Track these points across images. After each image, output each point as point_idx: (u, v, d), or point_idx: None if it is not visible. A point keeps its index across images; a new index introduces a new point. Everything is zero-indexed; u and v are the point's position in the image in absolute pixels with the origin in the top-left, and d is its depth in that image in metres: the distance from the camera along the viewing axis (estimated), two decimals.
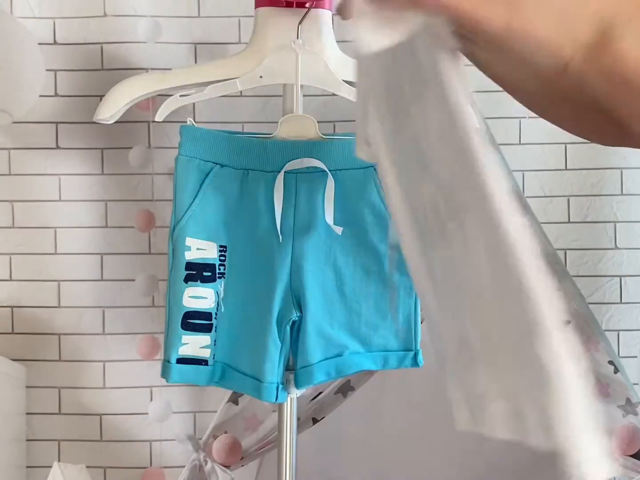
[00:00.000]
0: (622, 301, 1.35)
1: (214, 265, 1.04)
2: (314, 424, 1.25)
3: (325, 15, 1.06)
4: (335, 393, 1.23)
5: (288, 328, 1.02)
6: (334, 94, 1.07)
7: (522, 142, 1.34)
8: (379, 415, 1.40)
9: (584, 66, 0.49)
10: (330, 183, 1.01)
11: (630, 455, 1.16)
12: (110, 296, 1.37)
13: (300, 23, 1.04)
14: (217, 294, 1.04)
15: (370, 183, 1.03)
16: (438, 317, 0.61)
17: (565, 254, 1.35)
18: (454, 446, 1.32)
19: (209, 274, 1.04)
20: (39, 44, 1.31)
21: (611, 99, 0.50)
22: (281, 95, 1.08)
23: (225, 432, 1.23)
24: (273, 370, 1.02)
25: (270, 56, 1.05)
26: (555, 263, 1.23)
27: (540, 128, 1.33)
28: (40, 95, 1.31)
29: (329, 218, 1.01)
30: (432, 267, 0.60)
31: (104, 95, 1.08)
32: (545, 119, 0.57)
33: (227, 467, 1.23)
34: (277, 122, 1.05)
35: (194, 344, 1.04)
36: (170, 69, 1.10)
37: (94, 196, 1.36)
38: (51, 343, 1.37)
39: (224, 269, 1.04)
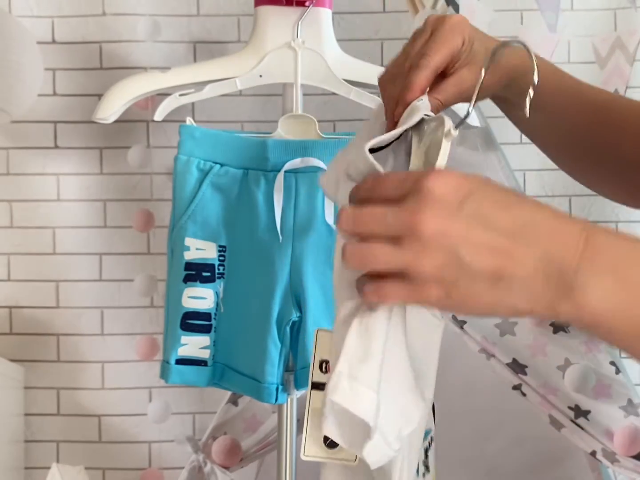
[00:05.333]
0: None
1: (213, 265, 1.03)
2: None
3: (325, 14, 1.05)
4: None
5: (288, 329, 1.02)
6: (333, 93, 1.07)
7: (523, 141, 1.33)
8: None
9: (550, 314, 0.52)
10: None
11: (632, 456, 1.16)
12: (109, 296, 1.36)
13: (300, 21, 1.04)
14: (217, 294, 1.03)
15: None
16: None
17: None
18: (454, 448, 1.31)
19: (208, 274, 1.03)
20: (38, 42, 1.30)
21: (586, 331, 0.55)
22: (281, 95, 1.08)
23: (225, 433, 1.23)
24: (273, 371, 1.01)
25: (270, 55, 1.05)
26: None
27: None
28: (39, 95, 1.30)
29: (330, 218, 1.01)
30: None
31: (102, 95, 1.08)
32: None
33: (226, 468, 1.22)
34: (276, 122, 1.04)
35: (193, 345, 1.03)
36: (169, 68, 1.10)
37: (92, 196, 1.36)
38: (50, 343, 1.36)
39: (224, 269, 1.04)
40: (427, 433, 0.72)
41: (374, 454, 0.60)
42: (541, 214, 0.55)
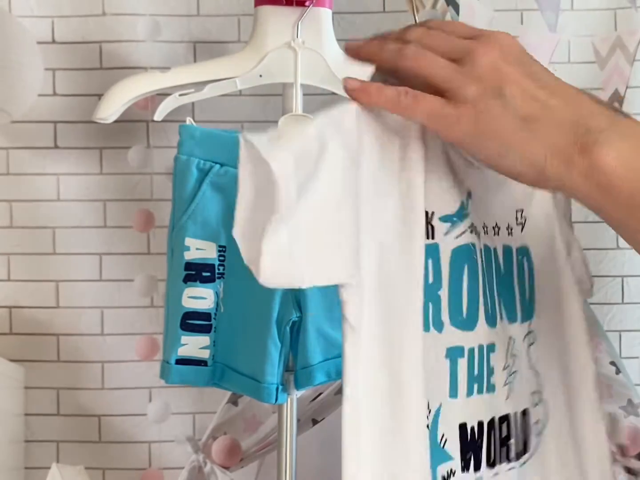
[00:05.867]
0: (624, 301, 1.34)
1: (213, 265, 1.03)
2: (313, 425, 1.25)
3: (325, 14, 1.05)
4: (336, 394, 1.23)
5: (288, 329, 1.02)
6: (333, 93, 1.06)
7: None
8: None
9: (563, 169, 0.54)
10: None
11: (632, 457, 1.16)
12: (109, 296, 1.36)
13: (300, 21, 1.04)
14: (217, 294, 1.03)
15: None
16: None
17: None
18: None
19: (208, 274, 1.03)
20: (38, 42, 1.30)
21: (592, 202, 0.56)
22: (281, 95, 1.08)
23: (225, 433, 1.23)
24: (273, 371, 1.01)
25: (270, 55, 1.05)
26: None
27: None
28: (39, 95, 1.30)
29: None
30: None
31: (102, 95, 1.08)
32: None
33: (226, 468, 1.22)
34: (276, 122, 1.04)
35: (193, 345, 1.03)
36: (169, 68, 1.10)
37: (92, 196, 1.35)
38: (50, 344, 1.36)
39: (224, 269, 1.04)
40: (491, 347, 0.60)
41: (272, 254, 0.51)
42: (583, 94, 0.59)
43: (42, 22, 1.34)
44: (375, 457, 0.53)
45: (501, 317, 0.62)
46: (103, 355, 1.36)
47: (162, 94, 1.09)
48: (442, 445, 0.55)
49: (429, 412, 0.55)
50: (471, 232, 0.60)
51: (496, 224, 0.63)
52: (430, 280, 0.57)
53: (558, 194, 0.70)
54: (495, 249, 0.63)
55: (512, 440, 0.60)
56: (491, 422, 0.59)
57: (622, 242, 1.35)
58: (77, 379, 1.36)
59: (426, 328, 0.56)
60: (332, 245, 0.53)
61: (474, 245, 0.60)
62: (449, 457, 0.56)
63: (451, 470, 0.56)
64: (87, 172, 1.35)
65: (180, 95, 1.06)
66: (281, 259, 0.51)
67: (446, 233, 0.59)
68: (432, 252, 0.57)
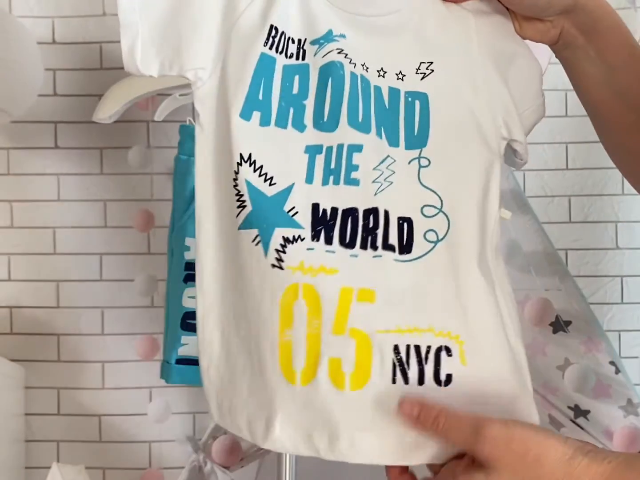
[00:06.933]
0: (623, 301, 1.34)
1: None
2: None
3: None
4: None
5: None
6: None
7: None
8: None
9: None
10: None
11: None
12: (109, 296, 1.36)
13: None
14: None
15: None
16: None
17: (567, 254, 1.34)
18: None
19: None
20: (38, 43, 1.30)
21: None
22: None
23: (225, 433, 1.23)
24: None
25: None
26: (556, 263, 1.22)
27: (542, 127, 1.31)
28: (39, 95, 1.30)
29: None
30: None
31: (103, 95, 1.08)
32: None
33: (226, 468, 1.22)
34: None
35: (194, 345, 1.03)
36: None
37: (92, 196, 1.36)
38: (50, 343, 1.36)
39: None
40: None
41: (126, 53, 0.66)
42: None
43: (42, 22, 1.34)
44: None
45: (379, 136, 0.73)
46: (103, 355, 1.36)
47: (163, 94, 1.09)
48: (290, 214, 0.69)
49: (268, 180, 0.70)
50: (338, 53, 0.72)
51: (382, 69, 0.74)
52: (295, 91, 0.71)
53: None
54: (378, 87, 0.73)
55: (380, 231, 0.71)
56: (351, 210, 0.71)
57: (622, 242, 1.35)
58: (78, 379, 1.37)
59: (283, 126, 0.70)
60: (185, 36, 0.68)
61: (341, 63, 0.72)
62: (297, 226, 0.69)
63: (300, 236, 0.69)
64: (88, 172, 1.35)
65: (180, 95, 1.06)
66: (133, 53, 0.67)
67: (315, 54, 0.71)
68: (301, 70, 0.71)
